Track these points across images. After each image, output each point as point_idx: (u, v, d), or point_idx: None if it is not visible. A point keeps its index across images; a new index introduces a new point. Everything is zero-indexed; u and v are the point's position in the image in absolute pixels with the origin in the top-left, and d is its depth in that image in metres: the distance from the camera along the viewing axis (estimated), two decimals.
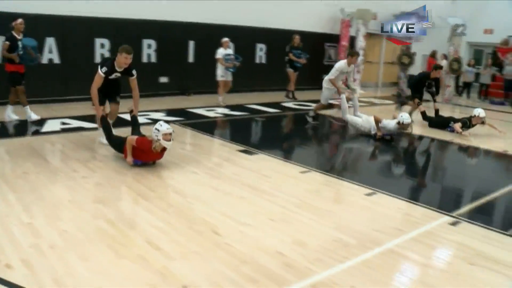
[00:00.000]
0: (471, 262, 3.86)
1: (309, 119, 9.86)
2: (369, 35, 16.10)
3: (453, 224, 4.66)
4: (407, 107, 10.95)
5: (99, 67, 6.33)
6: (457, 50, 15.49)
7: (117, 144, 6.18)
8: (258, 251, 3.71)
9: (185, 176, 5.68)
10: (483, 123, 9.34)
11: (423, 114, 10.22)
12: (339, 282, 3.34)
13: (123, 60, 6.20)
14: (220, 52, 10.76)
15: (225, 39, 10.92)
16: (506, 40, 17.07)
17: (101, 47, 10.45)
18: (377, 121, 8.46)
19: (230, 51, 11.02)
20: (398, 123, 8.30)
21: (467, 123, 9.40)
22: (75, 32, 10.15)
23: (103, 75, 6.27)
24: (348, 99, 9.48)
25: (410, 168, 7.51)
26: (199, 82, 12.10)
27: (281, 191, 5.27)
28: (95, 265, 3.36)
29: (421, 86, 10.35)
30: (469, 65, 16.80)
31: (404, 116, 8.43)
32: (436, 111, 10.28)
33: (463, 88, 17.26)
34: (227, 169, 6.09)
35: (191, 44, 11.98)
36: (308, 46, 12.78)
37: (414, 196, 5.71)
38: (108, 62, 6.32)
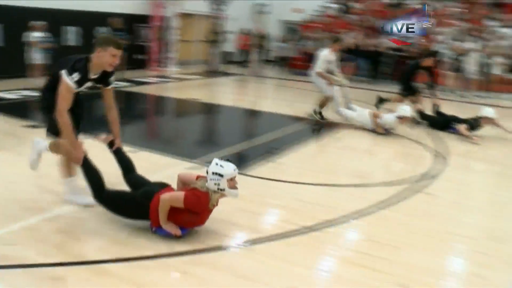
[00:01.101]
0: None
1: (317, 117, 9.02)
2: (183, 15, 17.06)
3: (191, 168, 5.78)
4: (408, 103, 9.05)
5: (64, 73, 3.80)
6: (261, 28, 17.26)
7: (132, 205, 3.80)
8: None
9: None
10: (492, 123, 8.19)
11: (420, 113, 8.96)
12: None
13: (110, 59, 3.87)
14: (35, 36, 10.88)
15: (39, 23, 11.06)
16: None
17: None
18: (376, 117, 8.07)
19: (43, 34, 11.14)
20: (399, 117, 7.93)
21: (473, 125, 8.21)
22: None
23: (73, 86, 3.83)
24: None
25: (174, 128, 8.78)
26: (6, 67, 11.95)
27: None
28: None
29: (413, 79, 9.31)
30: (283, 41, 18.82)
31: (405, 109, 7.96)
32: (436, 107, 9.02)
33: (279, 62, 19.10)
34: (9, 142, 6.62)
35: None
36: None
37: (167, 149, 6.75)
38: (81, 65, 3.87)
